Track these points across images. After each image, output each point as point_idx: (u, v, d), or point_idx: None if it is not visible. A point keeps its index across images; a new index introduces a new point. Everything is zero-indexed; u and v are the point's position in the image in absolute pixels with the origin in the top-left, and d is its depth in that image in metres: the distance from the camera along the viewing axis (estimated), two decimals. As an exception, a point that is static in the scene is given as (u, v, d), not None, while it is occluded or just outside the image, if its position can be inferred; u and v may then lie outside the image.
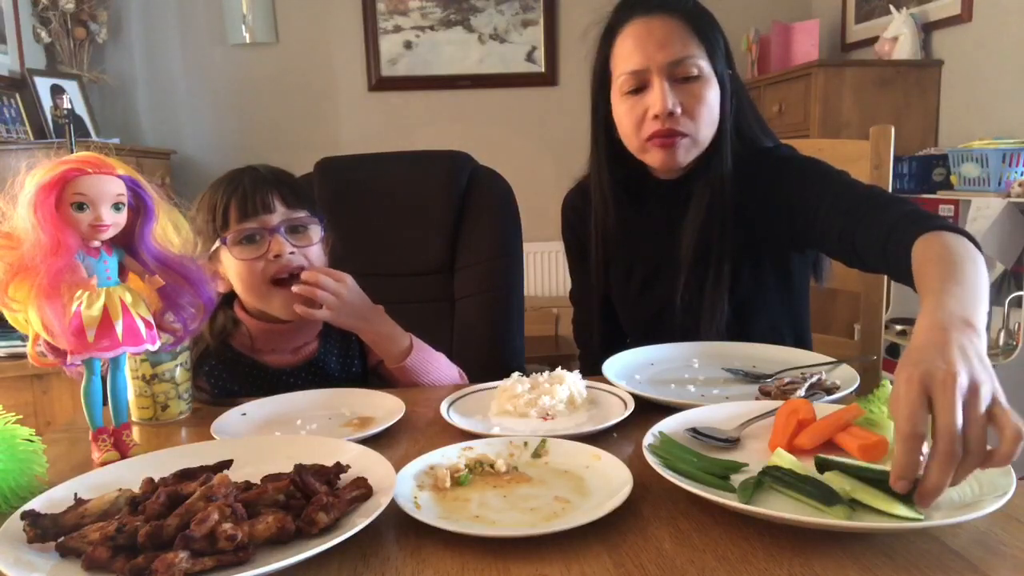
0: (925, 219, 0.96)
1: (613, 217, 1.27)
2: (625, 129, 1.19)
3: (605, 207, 1.27)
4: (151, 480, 0.70)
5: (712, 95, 1.16)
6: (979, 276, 0.80)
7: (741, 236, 1.20)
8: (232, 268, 1.15)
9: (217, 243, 1.14)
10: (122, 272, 0.84)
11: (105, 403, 0.84)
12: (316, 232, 1.19)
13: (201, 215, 1.15)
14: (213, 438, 0.90)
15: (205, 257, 1.14)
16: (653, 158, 1.18)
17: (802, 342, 1.30)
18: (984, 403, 0.60)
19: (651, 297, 1.29)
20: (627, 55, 1.15)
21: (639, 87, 1.15)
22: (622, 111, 1.18)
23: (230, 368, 1.19)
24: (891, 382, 0.69)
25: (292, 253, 1.13)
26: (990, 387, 0.61)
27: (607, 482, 0.72)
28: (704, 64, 1.14)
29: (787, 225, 1.17)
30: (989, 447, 0.60)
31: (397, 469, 0.73)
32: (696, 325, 1.21)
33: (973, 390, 0.60)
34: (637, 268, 1.30)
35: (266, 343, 1.21)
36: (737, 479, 0.70)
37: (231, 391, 1.18)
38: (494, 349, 1.55)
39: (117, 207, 0.80)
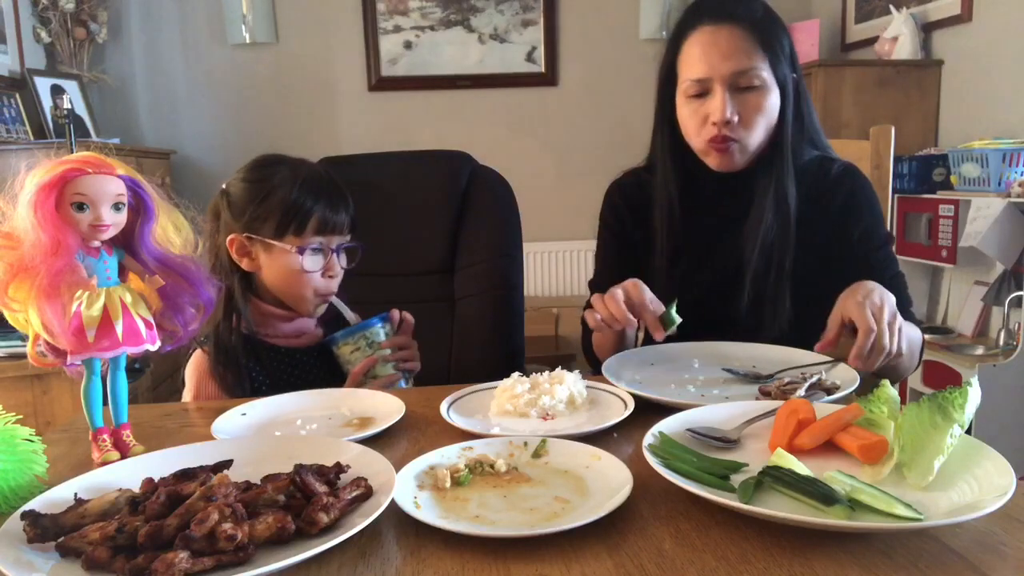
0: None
1: (679, 210, 1.30)
2: (687, 130, 1.26)
3: (670, 201, 1.31)
4: (151, 480, 0.70)
5: (770, 104, 1.21)
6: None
7: (803, 235, 1.24)
8: (279, 264, 1.21)
9: (288, 246, 1.19)
10: (122, 272, 0.84)
11: (105, 403, 0.84)
12: (356, 256, 1.29)
13: (271, 201, 1.19)
14: (213, 438, 0.90)
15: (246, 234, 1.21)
16: (711, 160, 1.26)
17: None
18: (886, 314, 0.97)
19: (715, 295, 1.29)
20: (693, 62, 1.21)
21: (701, 92, 1.21)
22: (685, 114, 1.25)
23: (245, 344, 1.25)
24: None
25: (338, 276, 1.26)
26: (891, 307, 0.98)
27: (607, 482, 0.72)
28: (766, 75, 1.20)
29: (823, 249, 1.24)
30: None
31: (397, 469, 0.73)
32: (759, 324, 1.23)
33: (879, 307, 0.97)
34: (703, 264, 1.31)
35: (265, 326, 1.27)
36: (737, 479, 0.71)
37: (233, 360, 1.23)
38: (494, 349, 1.55)
39: (117, 207, 0.80)
